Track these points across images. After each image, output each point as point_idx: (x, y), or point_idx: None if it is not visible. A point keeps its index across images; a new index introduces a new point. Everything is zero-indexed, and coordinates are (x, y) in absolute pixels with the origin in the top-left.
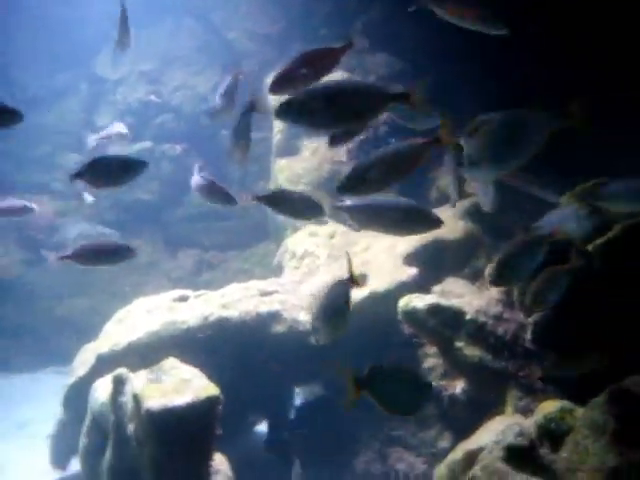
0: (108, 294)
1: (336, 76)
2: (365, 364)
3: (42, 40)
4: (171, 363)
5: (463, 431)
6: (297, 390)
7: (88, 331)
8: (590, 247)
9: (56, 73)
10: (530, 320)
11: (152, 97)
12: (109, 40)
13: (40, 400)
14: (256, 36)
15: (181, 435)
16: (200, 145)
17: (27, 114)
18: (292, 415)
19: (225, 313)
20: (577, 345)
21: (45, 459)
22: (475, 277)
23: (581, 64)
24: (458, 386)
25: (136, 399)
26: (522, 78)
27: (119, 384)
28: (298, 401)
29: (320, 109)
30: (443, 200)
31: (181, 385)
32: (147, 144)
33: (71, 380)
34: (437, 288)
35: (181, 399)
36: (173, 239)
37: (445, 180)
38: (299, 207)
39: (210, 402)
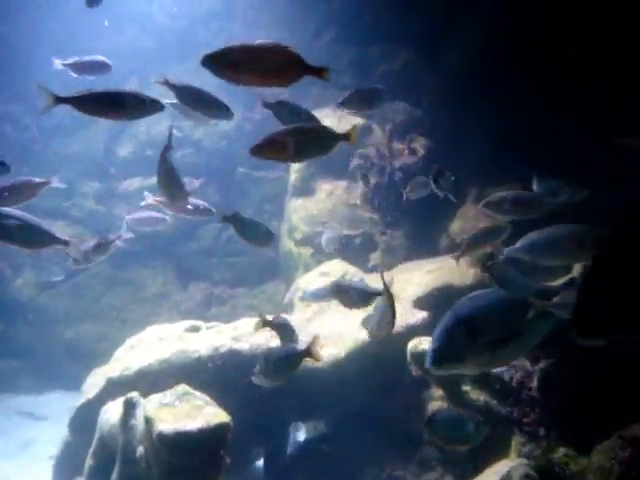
0: (118, 321)
1: (355, 121)
2: (372, 401)
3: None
4: (184, 389)
5: (465, 475)
6: (301, 425)
7: (96, 356)
8: None
9: None
10: (536, 368)
11: (173, 132)
12: (135, 74)
13: (45, 421)
14: None
15: (191, 458)
16: (218, 180)
17: (51, 140)
18: (293, 449)
19: (236, 345)
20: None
21: (47, 479)
22: None
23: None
24: None
25: (148, 422)
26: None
27: (130, 407)
28: (302, 436)
29: None
30: (453, 247)
31: (193, 410)
32: None
33: (79, 402)
34: None
35: (193, 424)
36: (185, 272)
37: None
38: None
39: (221, 428)
